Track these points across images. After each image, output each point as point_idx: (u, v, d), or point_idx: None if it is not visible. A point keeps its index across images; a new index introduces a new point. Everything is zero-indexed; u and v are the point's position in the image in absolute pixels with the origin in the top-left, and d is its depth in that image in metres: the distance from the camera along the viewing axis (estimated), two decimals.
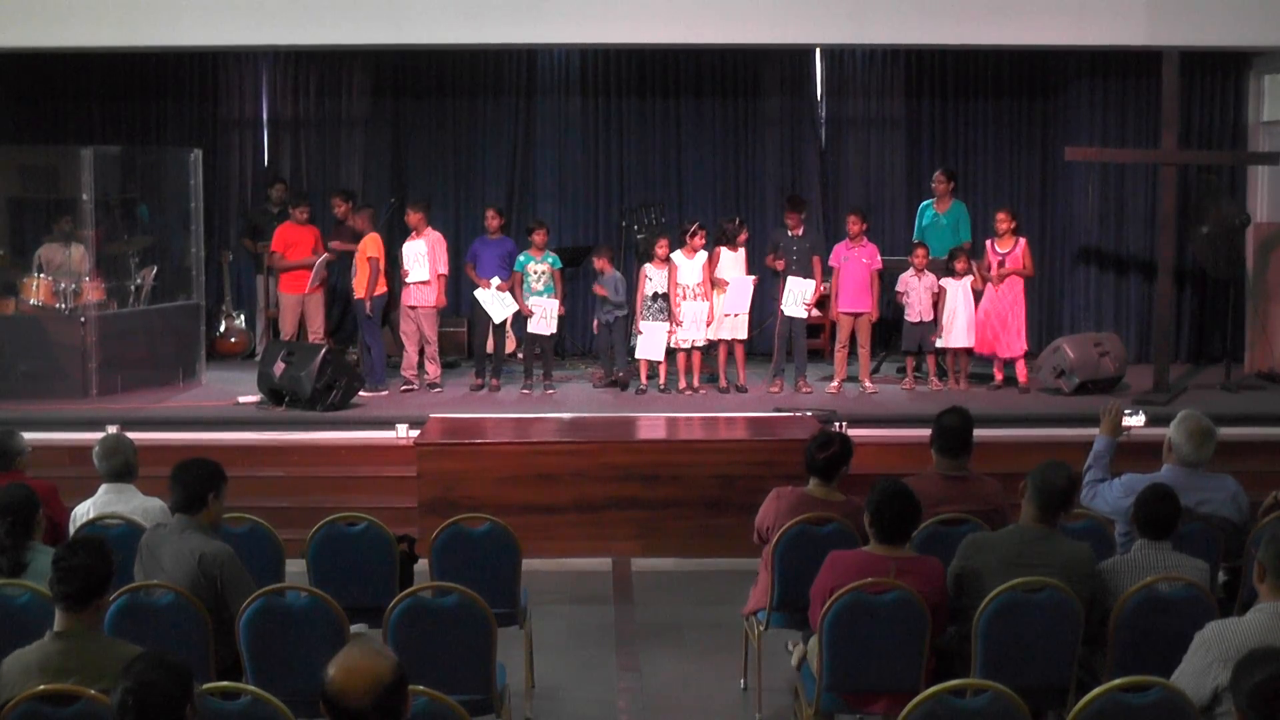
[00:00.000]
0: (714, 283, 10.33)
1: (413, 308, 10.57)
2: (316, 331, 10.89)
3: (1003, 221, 10.45)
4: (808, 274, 10.44)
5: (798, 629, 5.77)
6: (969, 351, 10.62)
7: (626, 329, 10.70)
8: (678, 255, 10.33)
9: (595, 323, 10.73)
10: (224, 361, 12.03)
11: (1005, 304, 10.42)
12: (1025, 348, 10.57)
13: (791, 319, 10.47)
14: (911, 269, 10.56)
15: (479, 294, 10.55)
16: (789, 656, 5.60)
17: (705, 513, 8.32)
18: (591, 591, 7.83)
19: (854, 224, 10.42)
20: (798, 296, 10.38)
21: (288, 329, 10.93)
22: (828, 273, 10.67)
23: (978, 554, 5.03)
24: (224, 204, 12.81)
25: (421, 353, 10.69)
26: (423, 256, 10.50)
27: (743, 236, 10.60)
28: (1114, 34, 10.51)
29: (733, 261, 10.46)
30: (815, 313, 10.90)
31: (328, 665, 3.07)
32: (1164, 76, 10.35)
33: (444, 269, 10.67)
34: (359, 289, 10.58)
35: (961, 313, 10.42)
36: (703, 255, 10.35)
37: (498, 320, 10.54)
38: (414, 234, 10.57)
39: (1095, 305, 12.40)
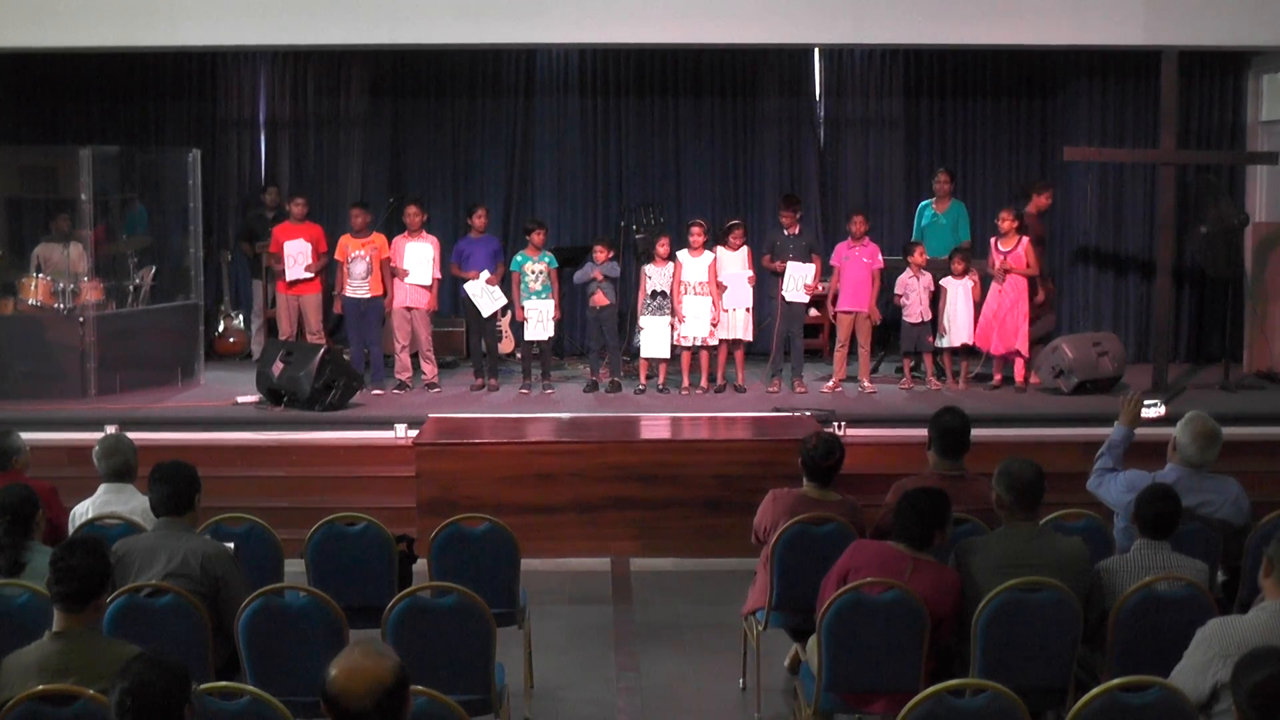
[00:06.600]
0: (719, 285, 10.32)
1: (409, 309, 10.56)
2: (315, 332, 10.84)
3: (1004, 220, 10.44)
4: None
5: (797, 629, 5.77)
6: (972, 350, 10.61)
7: (615, 324, 10.67)
8: (683, 254, 10.33)
9: (593, 298, 10.57)
10: (223, 361, 12.04)
11: (1008, 302, 10.41)
12: (1026, 346, 10.52)
13: (789, 316, 10.46)
14: (908, 269, 10.56)
15: (468, 287, 10.51)
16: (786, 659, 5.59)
17: (704, 513, 8.32)
18: (590, 591, 7.83)
19: (858, 224, 10.41)
20: (798, 281, 10.37)
21: (284, 329, 10.90)
22: (827, 271, 10.67)
23: (971, 556, 5.02)
24: (223, 204, 12.80)
25: (415, 354, 10.67)
26: (428, 260, 10.49)
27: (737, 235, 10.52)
28: (1113, 34, 10.51)
29: (734, 261, 10.44)
30: (814, 313, 10.87)
31: (329, 665, 3.07)
32: (1163, 76, 10.35)
33: (439, 273, 10.64)
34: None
35: (962, 312, 10.42)
36: (709, 255, 10.33)
37: (486, 313, 10.50)
38: (417, 235, 10.53)
39: (1094, 305, 12.40)
